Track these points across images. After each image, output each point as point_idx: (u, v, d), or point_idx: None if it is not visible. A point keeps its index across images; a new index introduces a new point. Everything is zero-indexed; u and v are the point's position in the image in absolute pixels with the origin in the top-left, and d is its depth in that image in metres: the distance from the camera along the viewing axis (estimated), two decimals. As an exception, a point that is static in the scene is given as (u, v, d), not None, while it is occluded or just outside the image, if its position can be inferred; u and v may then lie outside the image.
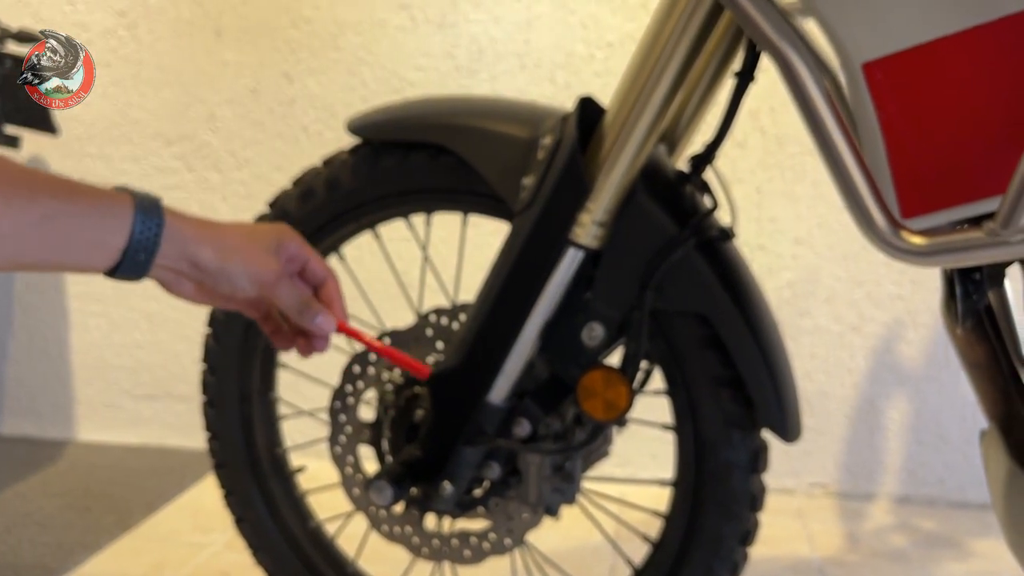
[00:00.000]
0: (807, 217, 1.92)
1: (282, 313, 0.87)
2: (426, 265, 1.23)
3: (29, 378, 2.24)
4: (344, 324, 0.89)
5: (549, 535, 1.25)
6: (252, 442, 1.27)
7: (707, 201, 1.02)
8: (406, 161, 1.11)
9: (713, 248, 1.00)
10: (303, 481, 1.32)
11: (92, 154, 2.12)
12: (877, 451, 1.97)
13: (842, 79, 0.83)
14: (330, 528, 1.31)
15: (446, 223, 1.21)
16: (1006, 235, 0.75)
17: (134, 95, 2.10)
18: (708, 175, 1.02)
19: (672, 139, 1.04)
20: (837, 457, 1.98)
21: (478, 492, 1.11)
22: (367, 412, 1.17)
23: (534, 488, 1.07)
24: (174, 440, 2.20)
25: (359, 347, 1.16)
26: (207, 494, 1.89)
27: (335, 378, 1.18)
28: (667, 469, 1.13)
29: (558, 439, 1.06)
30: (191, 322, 2.13)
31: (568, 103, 1.03)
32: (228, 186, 2.10)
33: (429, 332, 1.11)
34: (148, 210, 0.73)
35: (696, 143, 1.04)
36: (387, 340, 1.13)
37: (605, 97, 1.00)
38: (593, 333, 1.01)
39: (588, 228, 0.97)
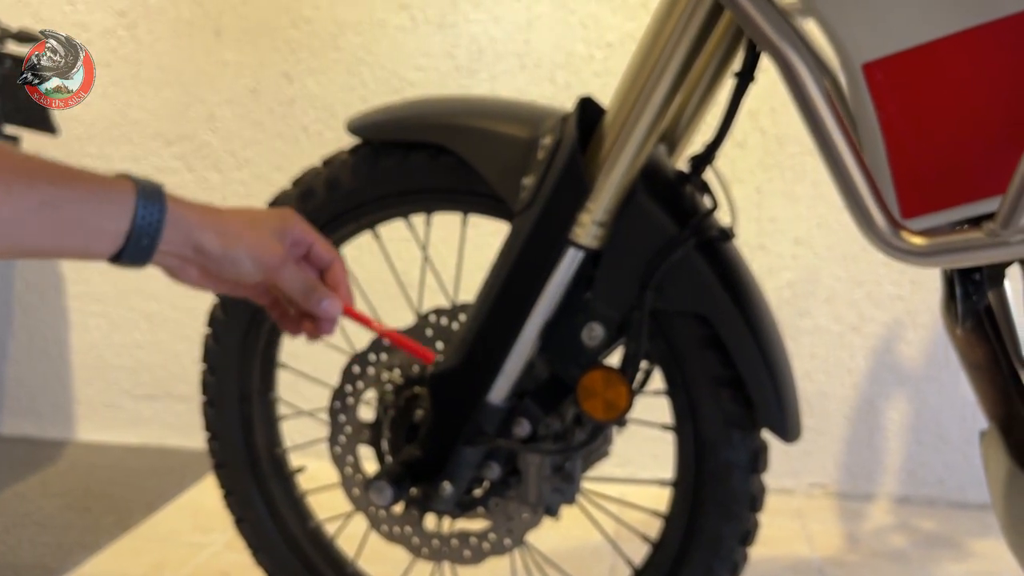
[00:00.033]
0: (807, 217, 1.92)
1: (289, 298, 0.87)
2: (426, 265, 1.23)
3: (29, 378, 2.24)
4: (350, 307, 0.88)
5: (549, 535, 1.25)
6: (252, 442, 1.27)
7: (707, 201, 1.02)
8: (406, 161, 1.11)
9: (713, 248, 1.00)
10: (303, 481, 1.32)
11: (92, 154, 2.12)
12: (877, 451, 1.97)
13: (842, 79, 0.83)
14: (330, 528, 1.31)
15: (446, 223, 1.21)
16: (1006, 235, 0.75)
17: (134, 95, 2.10)
18: (708, 175, 1.02)
19: (672, 139, 1.04)
20: (837, 457, 1.98)
21: (478, 492, 1.11)
22: (367, 412, 1.17)
23: (534, 488, 1.07)
24: (174, 440, 2.20)
25: (367, 335, 1.16)
26: (207, 494, 1.89)
27: (335, 378, 1.18)
28: (667, 469, 1.13)
29: (558, 439, 1.06)
30: (191, 322, 2.13)
31: (568, 103, 1.03)
32: (228, 186, 2.10)
33: (429, 332, 1.11)
34: (150, 196, 0.73)
35: (696, 143, 1.04)
36: (387, 339, 1.13)
37: (605, 97, 1.00)
38: (593, 333, 1.01)
39: (588, 228, 0.97)
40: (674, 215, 0.98)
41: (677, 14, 0.91)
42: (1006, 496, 0.94)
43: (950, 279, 0.95)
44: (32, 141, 1.99)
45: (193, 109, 2.08)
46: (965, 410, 1.93)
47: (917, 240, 0.81)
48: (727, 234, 1.02)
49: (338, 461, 1.18)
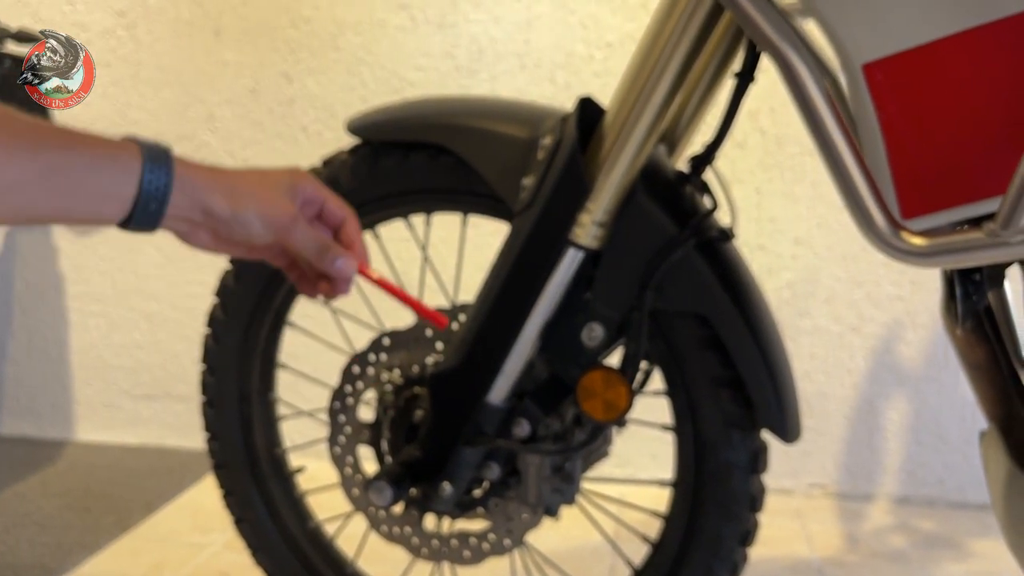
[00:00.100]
0: (807, 217, 1.92)
1: (303, 258, 0.85)
2: (426, 265, 1.23)
3: (28, 378, 2.24)
4: (365, 266, 0.86)
5: (548, 535, 1.25)
6: (251, 442, 1.27)
7: (707, 201, 1.02)
8: (406, 161, 1.11)
9: (713, 248, 1.00)
10: (302, 481, 1.32)
11: (91, 154, 2.12)
12: (876, 452, 1.97)
13: (842, 80, 0.83)
14: (329, 528, 1.31)
15: (446, 223, 1.21)
16: (1006, 236, 0.75)
17: (133, 95, 2.10)
18: (708, 175, 1.02)
19: (672, 139, 1.04)
20: (836, 458, 1.98)
21: (477, 492, 1.11)
22: (366, 413, 1.17)
23: (534, 488, 1.07)
24: (173, 440, 2.20)
25: (366, 335, 1.16)
26: (206, 494, 1.89)
27: (334, 378, 1.17)
28: (667, 470, 1.13)
29: (558, 439, 1.06)
30: (190, 322, 2.13)
31: (568, 103, 1.03)
32: (227, 186, 2.09)
33: (429, 332, 1.11)
34: (157, 159, 0.73)
35: (696, 143, 1.04)
36: (387, 340, 1.13)
37: (605, 97, 1.00)
38: (593, 333, 1.01)
39: (588, 228, 0.97)
40: (674, 215, 0.98)
41: (677, 14, 0.91)
42: (1006, 496, 0.94)
43: (950, 279, 0.95)
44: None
45: (193, 109, 2.08)
46: (965, 410, 1.93)
47: (917, 240, 0.81)
48: (727, 234, 1.02)
49: (338, 461, 1.18)
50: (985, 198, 0.79)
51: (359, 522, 1.21)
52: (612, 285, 0.99)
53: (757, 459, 1.05)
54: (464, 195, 1.11)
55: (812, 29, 0.83)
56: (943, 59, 0.78)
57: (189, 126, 2.08)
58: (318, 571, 1.28)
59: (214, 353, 1.25)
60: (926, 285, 1.90)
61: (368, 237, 1.20)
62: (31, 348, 2.23)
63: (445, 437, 1.06)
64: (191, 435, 2.15)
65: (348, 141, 1.16)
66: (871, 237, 0.82)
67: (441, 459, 1.07)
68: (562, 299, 1.00)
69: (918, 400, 1.94)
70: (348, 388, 1.16)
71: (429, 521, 1.16)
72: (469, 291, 1.10)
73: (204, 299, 1.35)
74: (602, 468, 1.18)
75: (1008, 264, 0.93)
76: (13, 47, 1.73)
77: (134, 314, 2.17)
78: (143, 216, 0.73)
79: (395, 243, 1.34)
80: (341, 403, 1.17)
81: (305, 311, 1.30)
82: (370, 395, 1.16)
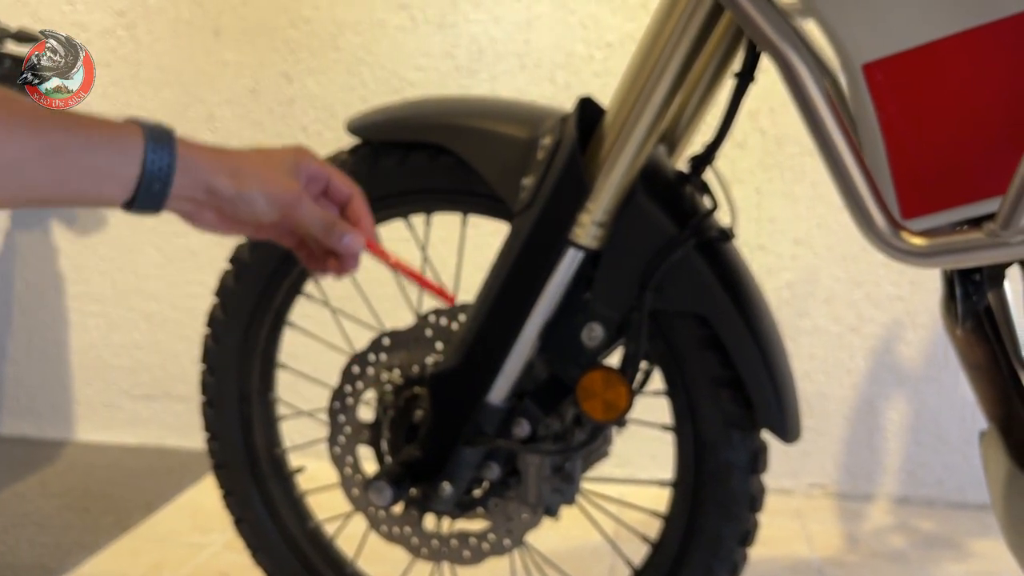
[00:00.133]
0: (806, 217, 1.92)
1: (311, 235, 0.85)
2: (426, 265, 1.23)
3: (28, 378, 2.24)
4: (373, 243, 0.86)
5: (548, 536, 1.25)
6: (251, 442, 1.27)
7: (707, 201, 1.02)
8: (406, 161, 1.11)
9: (713, 249, 1.00)
10: (302, 481, 1.32)
11: (91, 154, 2.12)
12: (876, 452, 1.97)
13: (842, 80, 0.83)
14: (329, 528, 1.31)
15: (446, 223, 1.21)
16: (1006, 236, 0.75)
17: (133, 95, 2.10)
18: (708, 175, 1.02)
19: (672, 139, 1.04)
20: (836, 458, 1.98)
21: (477, 493, 1.11)
22: (366, 413, 1.17)
23: (533, 488, 1.07)
24: (173, 440, 2.20)
25: (366, 335, 1.16)
26: (206, 494, 1.89)
27: (334, 379, 1.17)
28: (666, 470, 1.13)
29: (558, 440, 1.06)
30: (190, 322, 2.13)
31: (568, 103, 1.03)
32: (227, 186, 2.09)
33: (428, 333, 1.11)
34: (159, 139, 0.72)
35: (696, 144, 1.04)
36: (386, 340, 1.13)
37: (605, 97, 1.00)
38: (593, 333, 1.01)
39: (588, 228, 0.97)
40: (674, 215, 0.98)
41: (677, 14, 0.91)
42: (1006, 496, 0.94)
43: (950, 280, 0.95)
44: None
45: (192, 109, 2.08)
46: (964, 411, 1.93)
47: (917, 241, 0.81)
48: (727, 234, 1.02)
49: (337, 461, 1.18)
50: (985, 198, 0.79)
51: (359, 522, 1.21)
52: (612, 285, 0.99)
53: (757, 459, 1.05)
54: (464, 195, 1.11)
55: (812, 29, 0.83)
56: (943, 59, 0.78)
57: (189, 126, 2.08)
58: (318, 571, 1.28)
59: (214, 353, 1.25)
60: (926, 285, 1.90)
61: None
62: (31, 348, 2.23)
63: (445, 437, 1.06)
64: (191, 435, 2.15)
65: (348, 141, 1.16)
66: (871, 237, 0.82)
67: (441, 459, 1.07)
68: (562, 299, 1.00)
69: (918, 400, 1.94)
70: (348, 388, 1.16)
71: (429, 521, 1.16)
72: (469, 291, 1.10)
73: (204, 299, 1.35)
74: (602, 468, 1.18)
75: (1008, 264, 0.93)
76: (13, 47, 1.73)
77: (134, 314, 2.17)
78: (147, 197, 0.73)
79: (395, 243, 1.34)
80: (341, 403, 1.17)
81: (305, 311, 1.30)
82: (370, 395, 1.16)
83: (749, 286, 1.03)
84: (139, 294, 2.16)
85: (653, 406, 1.13)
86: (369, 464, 1.16)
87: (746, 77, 0.95)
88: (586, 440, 1.05)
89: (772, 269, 1.93)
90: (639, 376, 1.02)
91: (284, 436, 1.31)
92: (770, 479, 1.10)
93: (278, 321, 1.25)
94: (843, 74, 0.82)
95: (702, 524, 1.06)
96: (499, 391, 1.04)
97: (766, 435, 1.05)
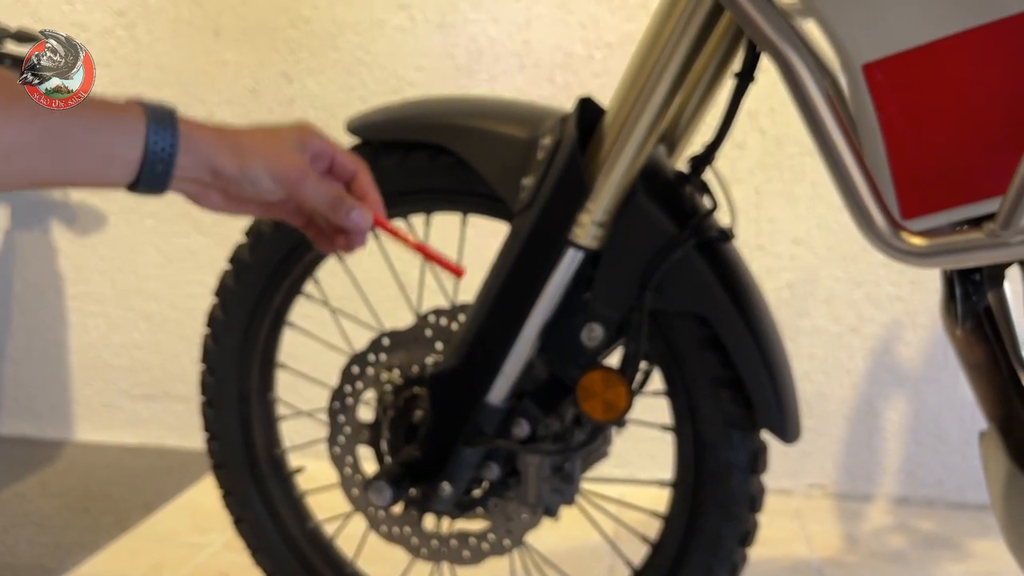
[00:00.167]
0: (806, 218, 1.92)
1: (318, 212, 0.84)
2: (425, 265, 1.23)
3: (27, 378, 2.24)
4: (380, 218, 0.85)
5: (548, 536, 1.25)
6: (251, 442, 1.27)
7: (706, 202, 1.02)
8: (405, 161, 1.11)
9: (712, 249, 1.00)
10: (302, 482, 1.32)
11: (91, 154, 2.12)
12: (876, 452, 1.97)
13: (842, 80, 0.83)
14: (329, 529, 1.31)
15: (446, 223, 1.21)
16: (1006, 236, 0.75)
17: (133, 95, 2.09)
18: (707, 176, 1.02)
19: (672, 139, 1.04)
20: (836, 458, 1.98)
21: (477, 493, 1.11)
22: (366, 413, 1.17)
23: (533, 489, 1.07)
24: (172, 440, 2.20)
25: (366, 335, 1.16)
26: (206, 494, 1.89)
27: (334, 379, 1.17)
28: (666, 470, 1.13)
29: (557, 440, 1.06)
30: (190, 322, 2.13)
31: (567, 103, 1.03)
32: (227, 186, 2.09)
33: (428, 333, 1.11)
34: (161, 120, 0.72)
35: (696, 144, 1.04)
36: (386, 340, 1.13)
37: (604, 97, 1.00)
38: (592, 334, 1.01)
39: (588, 228, 0.97)
40: (674, 216, 0.98)
41: (677, 14, 0.91)
42: (1005, 497, 0.94)
43: (950, 280, 0.95)
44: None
45: (192, 109, 2.08)
46: (964, 411, 1.93)
47: (917, 241, 0.81)
48: (726, 235, 1.02)
49: (337, 461, 1.18)
50: (985, 198, 0.79)
51: (358, 522, 1.21)
52: (612, 285, 0.99)
53: (757, 459, 1.05)
54: (464, 195, 1.11)
55: (812, 29, 0.83)
56: (943, 59, 0.78)
57: (188, 126, 2.08)
58: (317, 571, 1.28)
59: (214, 353, 1.25)
60: (925, 285, 1.90)
61: (368, 237, 1.21)
62: (30, 348, 2.23)
63: (445, 437, 1.06)
64: (190, 435, 2.15)
65: (348, 141, 1.16)
66: (871, 237, 0.82)
67: (441, 459, 1.07)
68: (562, 299, 1.00)
69: (917, 401, 1.94)
70: (347, 388, 1.16)
71: (428, 521, 1.16)
72: (469, 291, 1.10)
73: (204, 299, 1.35)
74: (602, 468, 1.18)
75: (1008, 264, 0.93)
76: (13, 47, 1.73)
77: (133, 314, 2.17)
78: (150, 178, 0.72)
79: (395, 243, 1.34)
80: (340, 403, 1.17)
81: (305, 311, 1.30)
82: (369, 395, 1.16)
83: (749, 286, 1.03)
84: (139, 294, 2.16)
85: (653, 406, 1.13)
86: (369, 464, 1.15)
87: (746, 77, 0.95)
88: (586, 440, 1.05)
89: (772, 269, 1.93)
90: (639, 376, 1.02)
91: (284, 436, 1.31)
92: (770, 479, 1.10)
93: (278, 321, 1.25)
94: (843, 74, 0.82)
95: (702, 524, 1.06)
96: (499, 391, 1.04)
97: (766, 435, 1.05)
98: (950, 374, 1.92)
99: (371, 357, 1.14)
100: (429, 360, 1.11)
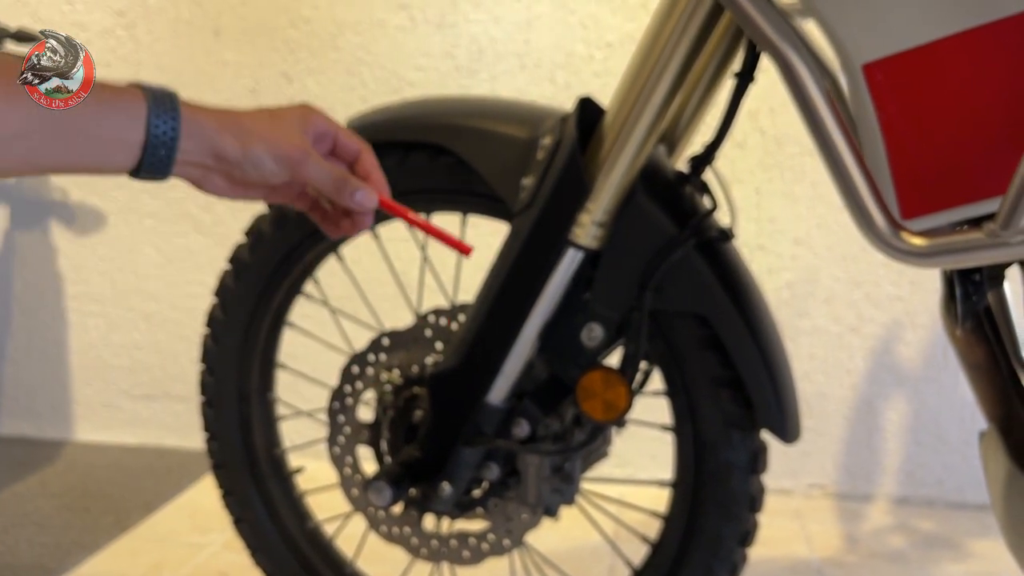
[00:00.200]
0: (806, 218, 1.92)
1: (323, 194, 0.83)
2: (425, 265, 1.23)
3: (27, 378, 2.24)
4: (385, 198, 0.84)
5: (548, 536, 1.25)
6: (251, 442, 1.27)
7: (706, 202, 1.02)
8: (405, 161, 1.11)
9: (712, 249, 1.00)
10: (302, 482, 1.32)
11: (91, 154, 2.12)
12: (876, 452, 1.97)
13: (842, 80, 0.83)
14: (329, 529, 1.31)
15: (445, 223, 1.21)
16: (1006, 236, 0.75)
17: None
18: (708, 176, 1.02)
19: (672, 140, 1.04)
20: (836, 458, 1.98)
21: (477, 493, 1.11)
22: (366, 413, 1.17)
23: (533, 489, 1.07)
24: (172, 440, 2.20)
25: (366, 334, 1.16)
26: (205, 494, 1.89)
27: (334, 379, 1.17)
28: (666, 470, 1.13)
29: (557, 440, 1.06)
30: (190, 322, 2.13)
31: (568, 103, 1.03)
32: (227, 186, 2.09)
33: (428, 333, 1.11)
34: (163, 104, 0.72)
35: (696, 144, 1.04)
36: (386, 340, 1.13)
37: (605, 97, 1.00)
38: (592, 334, 1.01)
39: (587, 228, 0.97)
40: (674, 216, 0.98)
41: (677, 14, 0.91)
42: (1005, 497, 0.94)
43: (950, 280, 0.95)
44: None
45: (192, 109, 2.08)
46: (964, 411, 1.93)
47: (917, 241, 0.81)
48: (726, 235, 1.02)
49: (337, 461, 1.18)
50: (985, 198, 0.79)
51: (358, 522, 1.21)
52: (612, 285, 0.99)
53: (757, 459, 1.05)
54: (464, 195, 1.11)
55: (812, 29, 0.83)
56: (943, 59, 0.78)
57: (188, 126, 2.08)
58: (317, 571, 1.28)
59: (213, 353, 1.25)
60: (925, 285, 1.90)
61: (368, 237, 1.21)
62: (30, 348, 2.23)
63: (444, 437, 1.06)
64: (190, 435, 2.15)
65: (348, 141, 1.16)
66: (871, 237, 0.82)
67: (440, 459, 1.07)
68: (561, 299, 1.00)
69: (917, 401, 1.94)
70: (347, 388, 1.16)
71: (428, 521, 1.16)
72: (469, 291, 1.10)
73: (203, 299, 1.35)
74: (601, 468, 1.18)
75: (1008, 264, 0.93)
76: (13, 47, 1.73)
77: (133, 314, 2.17)
78: (153, 162, 0.72)
79: (395, 243, 1.34)
80: (340, 403, 1.17)
81: (304, 311, 1.30)
82: (369, 395, 1.16)
83: (749, 286, 1.03)
84: (139, 294, 2.16)
85: (653, 406, 1.13)
86: (368, 464, 1.15)
87: (746, 77, 0.95)
88: (586, 440, 1.05)
89: (772, 269, 1.93)
90: (639, 376, 1.02)
91: (283, 436, 1.31)
92: (770, 479, 1.10)
93: (278, 321, 1.25)
94: (843, 74, 0.82)
95: (702, 524, 1.06)
96: (499, 391, 1.04)
97: (766, 435, 1.05)
98: (950, 374, 1.92)
99: (371, 357, 1.14)
100: (429, 360, 1.11)
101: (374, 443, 1.15)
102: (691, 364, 1.03)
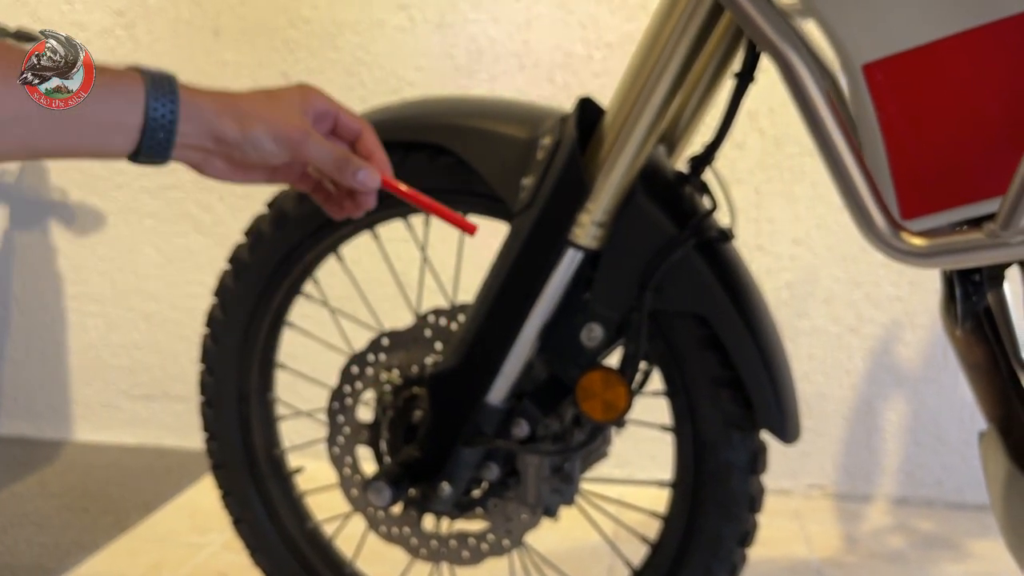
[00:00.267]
0: (806, 218, 1.92)
1: (325, 174, 0.83)
2: (425, 266, 1.23)
3: (26, 378, 2.24)
4: (388, 178, 0.83)
5: (547, 536, 1.25)
6: (250, 443, 1.27)
7: (706, 202, 1.02)
8: (405, 161, 1.11)
9: (712, 249, 1.00)
10: (301, 482, 1.32)
11: (90, 154, 2.12)
12: (875, 452, 1.97)
13: (842, 80, 0.83)
14: (328, 529, 1.31)
15: (445, 223, 1.21)
16: (1006, 236, 0.75)
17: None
18: (707, 176, 1.02)
19: (672, 140, 1.04)
20: (835, 458, 1.98)
21: (476, 493, 1.11)
22: (365, 413, 1.17)
23: (533, 489, 1.07)
24: (172, 440, 2.19)
25: (366, 335, 1.16)
26: (205, 495, 1.89)
27: (333, 379, 1.17)
28: (666, 470, 1.13)
29: (557, 440, 1.06)
30: (189, 322, 2.13)
31: (567, 104, 1.03)
32: (225, 186, 2.09)
33: (428, 333, 1.11)
34: (161, 87, 0.71)
35: (695, 144, 1.04)
36: (385, 340, 1.13)
37: (604, 98, 1.00)
38: (592, 334, 1.01)
39: (587, 229, 0.97)
40: (673, 216, 0.98)
41: (677, 14, 0.91)
42: (1005, 497, 0.94)
43: (949, 280, 0.95)
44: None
45: (191, 109, 2.08)
46: (963, 411, 1.93)
47: (917, 241, 0.81)
48: (726, 235, 1.02)
49: (336, 462, 1.18)
50: (985, 199, 0.79)
51: (358, 522, 1.21)
52: (611, 285, 0.99)
53: (756, 460, 1.05)
54: (464, 195, 1.11)
55: (812, 29, 0.83)
56: (943, 59, 0.78)
57: (188, 126, 2.08)
58: (317, 571, 1.28)
59: (213, 353, 1.25)
60: (925, 286, 1.90)
61: (367, 237, 1.21)
62: (29, 348, 2.22)
63: (444, 437, 1.06)
64: (189, 435, 2.15)
65: (347, 141, 1.16)
66: (871, 238, 0.82)
67: (440, 459, 1.07)
68: (561, 299, 1.00)
69: (917, 401, 1.94)
70: (347, 388, 1.16)
71: (428, 521, 1.16)
72: (468, 291, 1.10)
73: (203, 299, 1.35)
74: (601, 469, 1.18)
75: (1007, 265, 0.93)
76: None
77: (133, 314, 2.17)
78: (151, 146, 0.71)
79: (395, 243, 1.34)
80: (340, 403, 1.17)
81: (304, 311, 1.30)
82: (369, 395, 1.16)
83: (748, 286, 1.03)
84: (138, 294, 2.16)
85: (652, 406, 1.13)
86: (368, 464, 1.15)
87: (746, 77, 0.95)
88: (585, 440, 1.05)
89: (771, 269, 1.93)
90: (638, 376, 1.02)
91: (283, 436, 1.31)
92: (769, 480, 1.10)
93: (277, 321, 1.25)
94: (843, 74, 0.82)
95: (701, 525, 1.06)
96: (498, 391, 1.04)
97: (765, 436, 1.05)
98: (949, 374, 1.92)
99: (370, 357, 1.14)
100: (428, 360, 1.11)
101: (373, 443, 1.15)
102: (691, 364, 1.03)
